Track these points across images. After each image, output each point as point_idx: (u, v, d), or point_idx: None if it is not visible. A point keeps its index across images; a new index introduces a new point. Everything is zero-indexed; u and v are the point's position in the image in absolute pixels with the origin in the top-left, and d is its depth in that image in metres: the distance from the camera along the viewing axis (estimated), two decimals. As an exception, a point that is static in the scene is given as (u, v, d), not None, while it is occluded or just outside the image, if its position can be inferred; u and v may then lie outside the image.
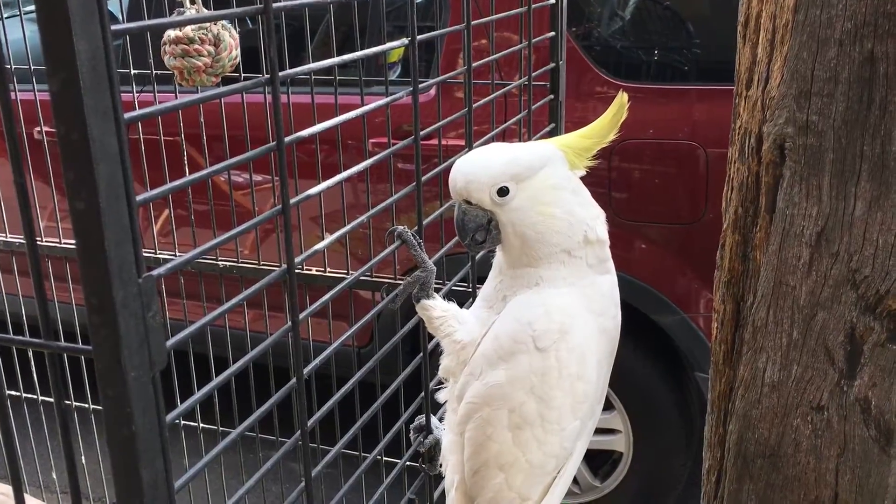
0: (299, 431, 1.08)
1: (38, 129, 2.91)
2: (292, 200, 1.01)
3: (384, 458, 2.11)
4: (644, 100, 2.76)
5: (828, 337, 1.22)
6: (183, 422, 2.44)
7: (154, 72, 2.24)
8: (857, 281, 1.18)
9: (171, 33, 1.86)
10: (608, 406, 2.90)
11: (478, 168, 1.13)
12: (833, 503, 1.29)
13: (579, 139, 1.17)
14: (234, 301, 0.92)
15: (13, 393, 2.64)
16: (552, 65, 2.03)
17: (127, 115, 0.72)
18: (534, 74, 1.87)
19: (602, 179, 2.68)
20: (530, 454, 1.18)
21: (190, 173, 2.50)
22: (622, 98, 1.14)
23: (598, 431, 2.93)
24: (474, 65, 1.53)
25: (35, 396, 2.76)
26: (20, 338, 0.85)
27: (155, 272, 0.76)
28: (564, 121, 2.09)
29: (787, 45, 1.15)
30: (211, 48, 1.87)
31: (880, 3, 1.07)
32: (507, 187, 1.12)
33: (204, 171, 0.87)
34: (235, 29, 1.93)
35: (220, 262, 2.37)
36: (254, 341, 2.19)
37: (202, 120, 2.25)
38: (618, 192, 2.74)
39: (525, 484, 1.19)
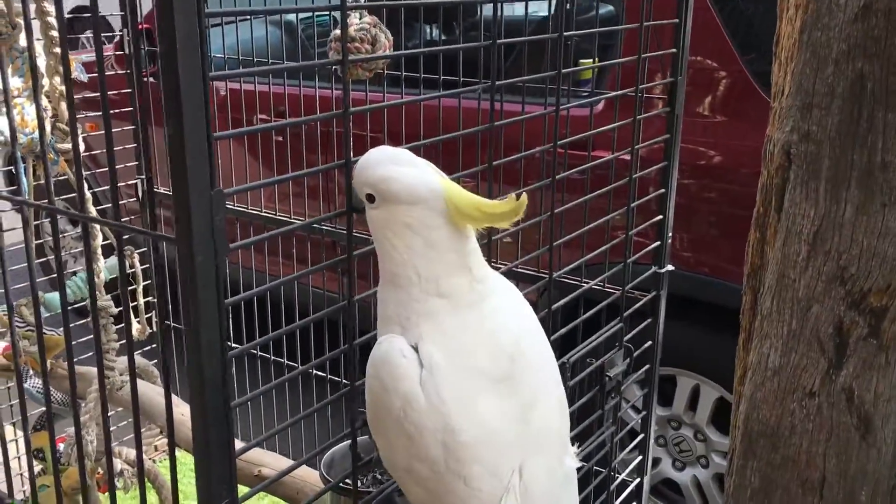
0: (346, 388, 1.30)
1: (256, 116, 3.47)
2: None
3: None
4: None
5: (820, 328, 1.34)
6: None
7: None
8: (845, 278, 1.29)
9: (336, 32, 2.23)
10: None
11: (361, 165, 1.15)
12: (821, 485, 1.39)
13: (470, 206, 1.12)
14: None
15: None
16: (671, 79, 2.19)
17: (211, 74, 1.04)
18: (646, 86, 2.06)
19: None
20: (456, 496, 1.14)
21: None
22: (520, 202, 1.10)
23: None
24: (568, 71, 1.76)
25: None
26: (114, 222, 1.17)
27: (225, 190, 1.07)
28: (681, 134, 2.24)
29: (794, 62, 1.29)
30: (368, 46, 2.22)
31: (869, 27, 1.20)
32: (374, 196, 1.13)
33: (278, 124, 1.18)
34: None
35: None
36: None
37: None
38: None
39: None
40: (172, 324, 3.25)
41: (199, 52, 1.01)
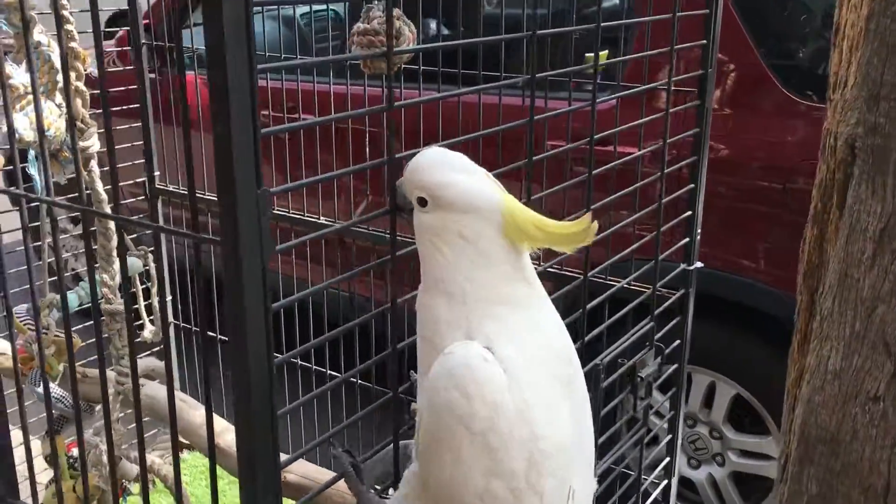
0: (391, 394, 1.27)
1: (265, 112, 3.40)
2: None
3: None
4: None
5: (886, 330, 1.29)
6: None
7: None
8: (915, 278, 1.24)
9: (360, 25, 2.16)
10: (763, 431, 2.91)
11: (415, 167, 1.10)
12: (885, 492, 1.34)
13: (529, 223, 1.06)
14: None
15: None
16: (701, 72, 2.13)
17: (259, 66, 0.98)
18: (678, 79, 2.01)
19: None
20: None
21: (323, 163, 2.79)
22: (592, 225, 1.04)
23: (752, 455, 2.92)
24: (591, 66, 1.71)
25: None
26: (152, 224, 1.11)
27: (271, 189, 1.01)
28: (710, 127, 2.18)
29: (860, 52, 1.24)
30: (392, 40, 2.15)
31: (944, 14, 1.14)
32: (427, 201, 1.08)
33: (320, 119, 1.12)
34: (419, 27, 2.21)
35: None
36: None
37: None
38: (796, 215, 2.74)
39: None
40: (183, 325, 3.21)
41: (247, 43, 0.96)
